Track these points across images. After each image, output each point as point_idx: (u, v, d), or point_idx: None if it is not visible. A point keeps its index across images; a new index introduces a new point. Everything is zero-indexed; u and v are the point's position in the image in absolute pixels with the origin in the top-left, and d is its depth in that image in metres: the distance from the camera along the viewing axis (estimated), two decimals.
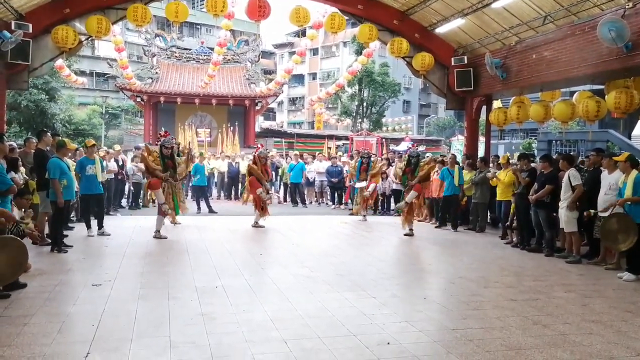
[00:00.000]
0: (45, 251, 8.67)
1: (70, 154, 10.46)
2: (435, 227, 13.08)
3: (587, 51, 10.55)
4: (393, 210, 15.87)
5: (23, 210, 8.00)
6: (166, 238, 10.25)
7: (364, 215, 14.22)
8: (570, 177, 8.95)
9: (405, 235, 11.48)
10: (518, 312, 5.89)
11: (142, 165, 12.60)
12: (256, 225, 12.33)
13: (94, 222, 10.62)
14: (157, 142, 11.04)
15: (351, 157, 18.78)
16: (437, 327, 5.39)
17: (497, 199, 11.65)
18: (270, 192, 13.13)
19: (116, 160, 14.34)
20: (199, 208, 15.37)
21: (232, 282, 6.95)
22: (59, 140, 9.27)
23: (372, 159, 14.67)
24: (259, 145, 13.30)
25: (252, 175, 12.38)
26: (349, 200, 16.39)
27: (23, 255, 6.05)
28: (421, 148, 34.93)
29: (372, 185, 14.02)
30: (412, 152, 12.11)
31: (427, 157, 16.27)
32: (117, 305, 5.77)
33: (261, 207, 12.32)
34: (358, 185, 14.17)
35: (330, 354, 4.54)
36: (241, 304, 5.95)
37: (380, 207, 16.49)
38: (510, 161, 11.67)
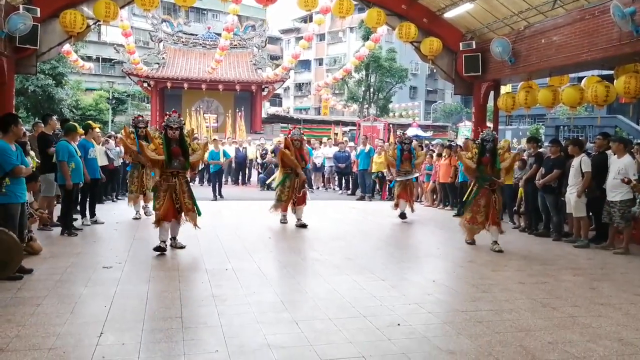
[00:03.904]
0: (55, 234, 8.74)
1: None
2: (454, 216, 12.12)
3: (596, 35, 10.45)
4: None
5: None
6: (164, 252, 7.68)
7: (404, 213, 11.57)
8: (582, 163, 8.94)
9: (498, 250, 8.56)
10: (527, 295, 5.92)
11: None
12: (299, 224, 10.50)
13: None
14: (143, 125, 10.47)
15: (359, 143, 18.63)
16: (447, 309, 5.43)
17: None
18: (306, 183, 11.09)
19: None
20: (214, 196, 15.23)
21: (242, 265, 7.00)
22: (69, 124, 9.25)
23: (412, 144, 12.12)
24: (291, 127, 12.01)
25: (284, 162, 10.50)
26: (388, 195, 15.08)
27: (14, 250, 5.85)
28: (429, 134, 35.00)
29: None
30: (486, 135, 8.77)
31: (436, 143, 16.08)
32: (129, 287, 5.83)
33: (293, 201, 10.55)
34: (399, 178, 11.55)
35: (341, 334, 4.57)
36: (251, 285, 6.00)
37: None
38: (518, 147, 11.58)
